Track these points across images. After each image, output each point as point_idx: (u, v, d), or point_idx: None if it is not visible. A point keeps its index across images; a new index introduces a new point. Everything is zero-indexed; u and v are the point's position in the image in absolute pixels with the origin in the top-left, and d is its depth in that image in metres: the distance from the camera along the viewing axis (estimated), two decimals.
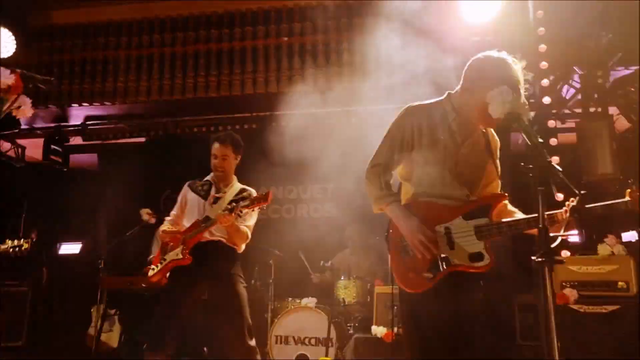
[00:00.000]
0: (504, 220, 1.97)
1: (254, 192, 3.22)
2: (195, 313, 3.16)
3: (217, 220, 2.98)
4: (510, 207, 2.10)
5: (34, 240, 4.29)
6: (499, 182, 2.16)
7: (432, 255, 1.93)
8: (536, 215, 1.61)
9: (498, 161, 2.16)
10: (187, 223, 3.21)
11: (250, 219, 3.19)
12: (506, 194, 2.06)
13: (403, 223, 1.99)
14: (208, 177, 3.32)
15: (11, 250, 3.83)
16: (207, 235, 3.12)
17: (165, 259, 3.15)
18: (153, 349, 2.95)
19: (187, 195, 3.31)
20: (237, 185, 3.29)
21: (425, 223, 1.96)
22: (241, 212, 2.97)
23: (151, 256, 3.44)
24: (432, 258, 1.94)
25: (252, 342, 3.01)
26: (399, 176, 2.18)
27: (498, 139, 2.19)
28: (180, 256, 3.07)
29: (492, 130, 2.14)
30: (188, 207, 3.27)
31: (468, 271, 1.92)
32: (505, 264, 2.07)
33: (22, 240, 4.06)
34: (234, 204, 2.98)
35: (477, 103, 1.94)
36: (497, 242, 2.01)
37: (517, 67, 1.98)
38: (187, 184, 3.37)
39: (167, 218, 3.37)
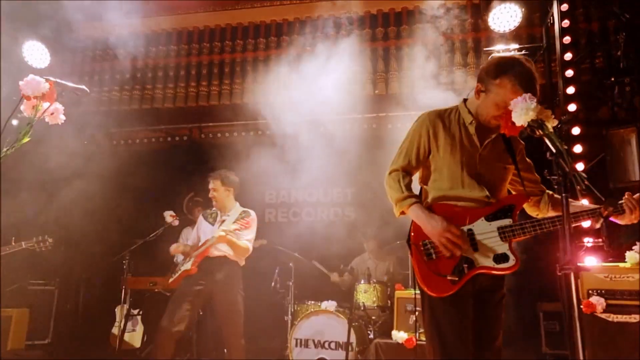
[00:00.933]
0: (527, 220, 1.96)
1: (252, 213, 3.96)
2: (198, 308, 3.82)
3: (216, 238, 3.69)
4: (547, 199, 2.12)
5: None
6: (537, 177, 2.16)
7: (460, 252, 1.93)
8: (560, 214, 1.61)
9: (527, 159, 2.17)
10: None
11: (248, 234, 3.88)
12: (525, 195, 2.05)
13: (427, 223, 1.98)
14: (215, 208, 4.05)
15: (36, 245, 4.01)
16: (215, 252, 3.80)
17: (180, 269, 3.88)
18: (167, 323, 3.58)
19: (202, 223, 4.04)
20: (237, 209, 3.98)
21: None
22: (233, 230, 3.73)
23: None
24: (456, 261, 1.93)
25: (243, 341, 3.77)
26: (419, 181, 2.19)
27: (522, 142, 2.17)
28: (189, 267, 3.76)
29: None
30: (202, 233, 3.99)
31: (492, 273, 1.92)
32: (530, 270, 2.06)
33: (45, 235, 4.23)
34: (230, 226, 3.77)
35: (496, 108, 1.95)
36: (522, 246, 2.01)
37: (531, 66, 1.97)
38: (201, 214, 4.14)
39: (187, 243, 4.11)
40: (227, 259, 3.84)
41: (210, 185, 3.98)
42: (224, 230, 3.70)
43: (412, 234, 2.07)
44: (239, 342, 3.73)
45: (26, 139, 1.89)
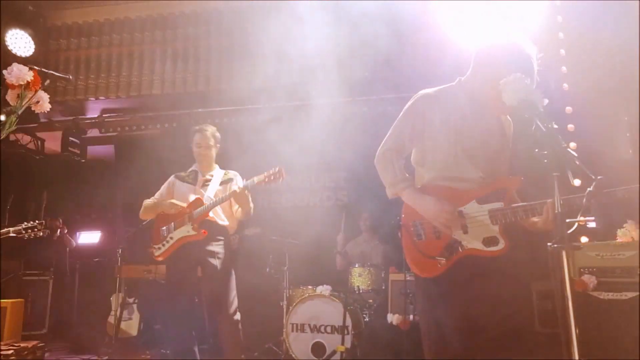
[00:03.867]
0: (519, 204, 1.93)
1: (237, 175, 3.55)
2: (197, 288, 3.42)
3: (235, 193, 3.27)
4: None
5: (59, 228, 4.34)
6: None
7: (451, 232, 1.93)
8: (552, 199, 1.59)
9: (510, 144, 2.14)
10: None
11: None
12: (521, 177, 2.00)
13: (420, 204, 1.98)
14: (192, 167, 3.60)
15: (24, 232, 3.77)
16: (213, 217, 3.34)
17: (172, 237, 3.31)
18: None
19: (176, 184, 3.54)
20: (219, 170, 3.58)
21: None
22: (256, 183, 3.27)
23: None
24: (445, 242, 1.94)
25: (237, 317, 3.34)
26: (413, 162, 2.17)
27: (511, 122, 2.16)
28: (193, 232, 3.22)
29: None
30: (178, 193, 3.47)
31: (482, 255, 1.91)
32: (523, 249, 2.04)
33: (36, 222, 4.05)
34: (253, 178, 3.28)
35: (490, 88, 1.92)
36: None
37: (531, 50, 1.94)
38: (173, 175, 3.62)
39: (147, 200, 3.52)
40: (223, 226, 3.42)
41: (198, 139, 3.51)
42: (243, 187, 3.25)
43: (403, 215, 2.07)
44: (233, 319, 3.30)
45: (13, 128, 1.86)
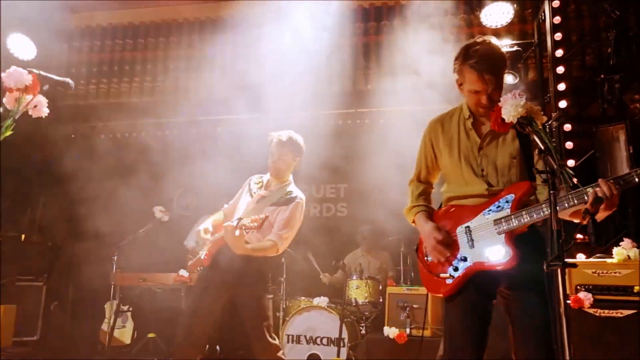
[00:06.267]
0: (524, 208, 1.83)
1: (299, 195, 2.99)
2: (220, 312, 2.95)
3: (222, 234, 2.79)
4: None
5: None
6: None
7: (444, 257, 1.94)
8: (562, 196, 1.65)
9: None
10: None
11: (290, 220, 2.89)
12: (529, 182, 1.89)
13: (421, 229, 2.08)
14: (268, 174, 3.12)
15: None
16: None
17: (199, 255, 3.05)
18: (182, 344, 2.84)
19: (244, 192, 3.12)
20: (285, 188, 3.02)
21: (449, 226, 1.99)
22: (246, 230, 2.64)
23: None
24: (448, 260, 1.94)
25: (275, 341, 2.94)
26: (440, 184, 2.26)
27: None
28: (202, 256, 2.97)
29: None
30: (239, 202, 3.08)
31: (490, 269, 1.85)
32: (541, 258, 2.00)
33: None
34: (242, 219, 2.67)
35: (469, 93, 1.97)
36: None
37: (485, 46, 1.92)
38: (251, 177, 3.17)
39: (224, 207, 3.19)
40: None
41: (276, 150, 2.98)
42: (231, 226, 2.65)
43: (421, 238, 2.14)
44: (267, 343, 2.87)
45: (9, 132, 1.86)
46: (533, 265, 1.76)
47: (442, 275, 1.95)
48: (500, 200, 1.90)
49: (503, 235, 1.85)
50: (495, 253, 1.84)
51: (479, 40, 1.96)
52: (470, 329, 1.88)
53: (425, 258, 2.05)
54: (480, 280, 1.89)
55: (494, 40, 1.98)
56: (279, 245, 2.87)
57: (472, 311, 1.89)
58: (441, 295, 1.97)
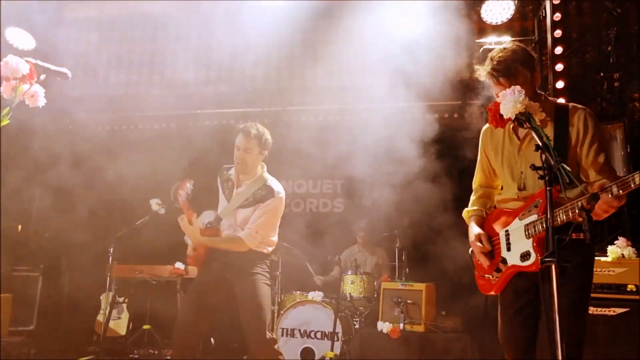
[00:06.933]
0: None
1: (277, 189, 2.92)
2: (219, 305, 2.96)
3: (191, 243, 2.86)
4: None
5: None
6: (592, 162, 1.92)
7: (486, 262, 2.08)
8: (580, 199, 1.67)
9: (586, 147, 1.93)
10: None
11: (261, 217, 2.86)
12: (550, 187, 1.84)
13: (470, 234, 2.20)
14: (230, 171, 3.05)
15: None
16: (226, 232, 2.96)
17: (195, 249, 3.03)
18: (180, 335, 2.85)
19: (220, 194, 3.06)
20: (259, 180, 2.94)
21: (495, 230, 2.10)
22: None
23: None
24: (493, 263, 2.06)
25: (272, 334, 2.94)
26: None
27: (584, 122, 1.96)
28: (192, 253, 2.97)
29: (578, 110, 2.00)
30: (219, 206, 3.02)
31: (523, 271, 1.95)
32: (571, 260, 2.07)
33: None
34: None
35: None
36: None
37: (503, 53, 2.00)
38: (218, 176, 3.09)
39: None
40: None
41: (242, 143, 2.86)
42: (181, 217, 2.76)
43: None
44: (264, 338, 2.84)
45: (6, 122, 1.85)
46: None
47: (486, 276, 2.10)
48: (531, 204, 1.97)
49: (531, 239, 1.92)
50: (525, 256, 1.94)
51: (499, 46, 2.07)
52: (514, 324, 2.01)
53: (478, 261, 2.17)
54: (519, 280, 2.00)
55: (512, 44, 2.07)
56: (248, 242, 2.83)
57: (515, 307, 2.02)
58: (492, 293, 2.10)
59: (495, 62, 1.98)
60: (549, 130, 1.98)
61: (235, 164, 2.95)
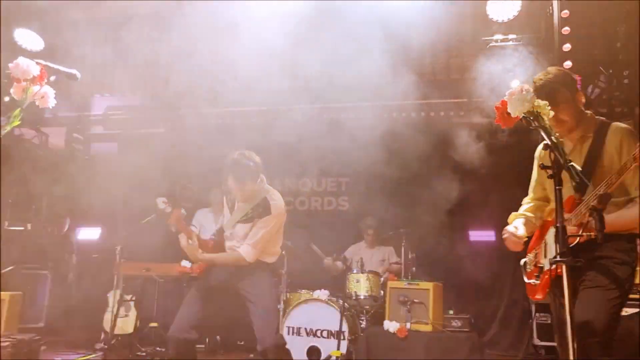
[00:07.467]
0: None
1: (278, 203, 2.94)
2: (224, 303, 3.05)
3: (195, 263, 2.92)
4: None
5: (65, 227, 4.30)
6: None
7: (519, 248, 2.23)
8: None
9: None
10: None
11: (258, 232, 2.88)
12: (572, 196, 2.01)
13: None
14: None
15: None
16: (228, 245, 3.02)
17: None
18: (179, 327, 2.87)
19: (224, 210, 3.13)
20: (257, 196, 2.94)
21: (541, 239, 2.21)
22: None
23: None
24: (537, 268, 2.17)
25: (278, 336, 3.03)
26: None
27: (624, 133, 2.04)
28: (193, 267, 3.03)
29: (616, 127, 2.08)
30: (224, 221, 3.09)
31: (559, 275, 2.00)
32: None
33: None
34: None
35: None
36: None
37: (544, 76, 2.13)
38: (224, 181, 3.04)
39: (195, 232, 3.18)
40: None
41: (233, 184, 2.90)
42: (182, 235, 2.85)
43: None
44: (273, 338, 2.86)
45: (17, 122, 1.86)
46: (594, 271, 1.97)
47: (531, 281, 2.20)
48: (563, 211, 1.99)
49: (556, 244, 1.95)
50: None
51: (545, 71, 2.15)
52: (561, 322, 2.02)
53: (527, 268, 2.27)
54: (558, 283, 1.98)
55: (554, 68, 2.18)
56: (247, 257, 2.86)
57: (558, 309, 2.09)
58: (533, 298, 2.20)
59: (537, 85, 2.09)
60: (587, 146, 2.09)
61: (237, 197, 2.99)
